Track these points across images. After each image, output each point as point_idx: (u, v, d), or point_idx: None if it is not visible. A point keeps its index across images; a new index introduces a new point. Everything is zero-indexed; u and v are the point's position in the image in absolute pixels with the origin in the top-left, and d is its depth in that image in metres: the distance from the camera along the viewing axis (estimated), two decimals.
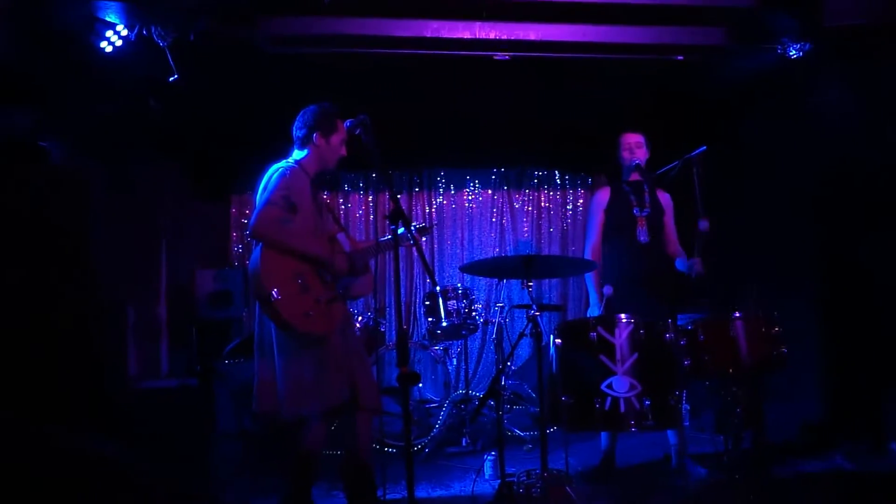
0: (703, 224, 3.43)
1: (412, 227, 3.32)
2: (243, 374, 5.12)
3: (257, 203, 2.94)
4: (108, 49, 3.37)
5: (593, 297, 3.80)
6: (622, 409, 2.84)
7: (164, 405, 3.67)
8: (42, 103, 3.23)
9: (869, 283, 3.88)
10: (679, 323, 3.15)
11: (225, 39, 3.57)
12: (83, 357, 3.57)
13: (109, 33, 3.33)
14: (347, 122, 2.95)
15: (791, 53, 3.95)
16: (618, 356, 2.91)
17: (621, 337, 2.94)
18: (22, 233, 2.93)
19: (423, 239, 3.52)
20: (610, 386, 2.86)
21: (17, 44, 2.97)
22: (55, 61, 3.22)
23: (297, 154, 3.10)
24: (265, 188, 2.95)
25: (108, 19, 3.30)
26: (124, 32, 3.34)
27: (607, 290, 3.65)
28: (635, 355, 2.91)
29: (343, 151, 3.12)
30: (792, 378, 3.48)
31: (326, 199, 3.26)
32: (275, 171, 2.98)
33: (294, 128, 3.10)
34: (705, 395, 4.78)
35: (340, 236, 3.14)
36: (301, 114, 3.09)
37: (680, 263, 3.79)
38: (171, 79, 3.53)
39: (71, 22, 3.26)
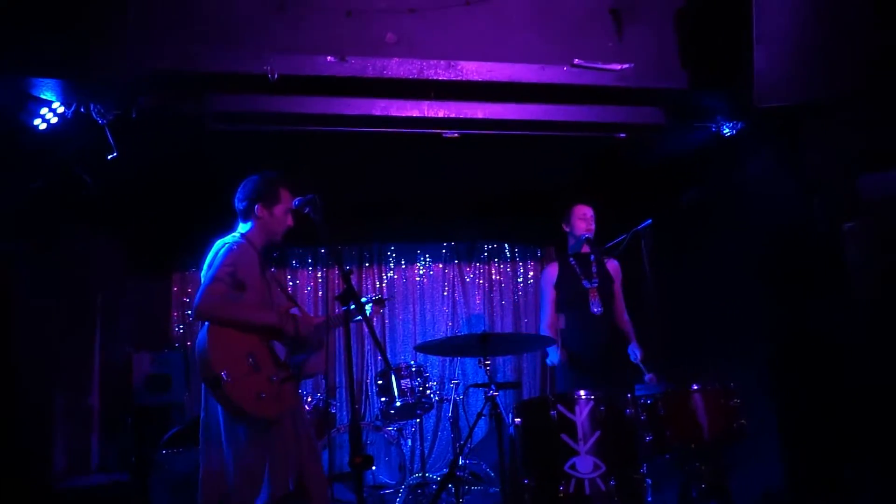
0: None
1: (368, 298, 3.23)
2: (183, 465, 4.77)
3: (202, 280, 2.81)
4: (42, 126, 3.24)
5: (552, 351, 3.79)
6: (587, 490, 2.74)
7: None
8: None
9: (818, 345, 3.96)
10: (638, 394, 3.12)
11: (169, 116, 3.50)
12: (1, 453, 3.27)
13: (45, 111, 3.20)
14: (296, 201, 2.88)
15: (725, 131, 4.15)
16: (580, 434, 2.83)
17: (582, 414, 2.87)
18: None
19: (380, 310, 3.39)
20: (573, 466, 2.77)
21: None
22: None
23: (242, 227, 3.00)
24: (210, 265, 2.83)
25: (42, 96, 3.19)
26: (60, 110, 3.22)
27: (554, 356, 3.66)
28: (597, 433, 2.84)
29: (289, 222, 3.01)
30: (751, 446, 3.46)
31: (275, 273, 3.13)
32: (221, 246, 2.87)
33: (236, 200, 3.00)
34: (666, 469, 4.70)
35: (294, 311, 3.01)
36: (242, 185, 2.98)
37: (631, 351, 3.78)
38: (109, 157, 3.41)
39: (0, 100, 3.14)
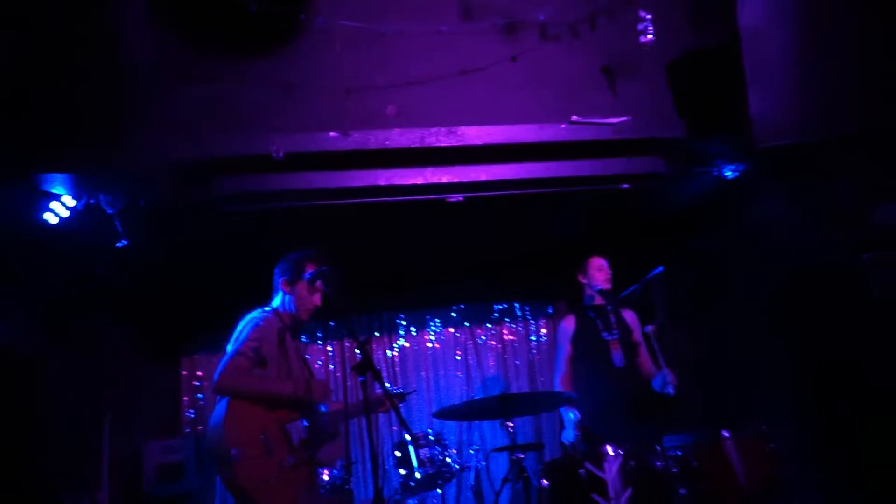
0: (649, 328, 3.43)
1: (390, 390, 3.22)
2: None
3: (226, 352, 2.79)
4: (54, 221, 3.28)
5: (566, 419, 3.65)
6: None
7: None
8: None
9: (854, 383, 3.84)
10: (666, 446, 3.02)
11: (177, 202, 3.55)
12: None
13: (55, 205, 3.25)
14: (307, 274, 2.89)
15: (727, 174, 4.19)
16: (611, 493, 2.75)
17: (612, 471, 2.78)
18: None
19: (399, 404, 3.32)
20: None
21: None
22: None
23: (274, 301, 3.06)
24: (236, 338, 2.82)
25: (53, 191, 3.24)
26: (71, 203, 3.26)
27: (574, 414, 3.55)
28: (629, 490, 2.75)
29: (316, 301, 3.02)
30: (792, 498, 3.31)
31: (298, 347, 3.11)
32: (248, 321, 2.88)
33: (274, 273, 3.09)
34: None
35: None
36: (280, 259, 3.09)
37: (654, 383, 3.72)
38: (119, 244, 3.44)
39: (11, 200, 3.19)
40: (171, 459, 4.99)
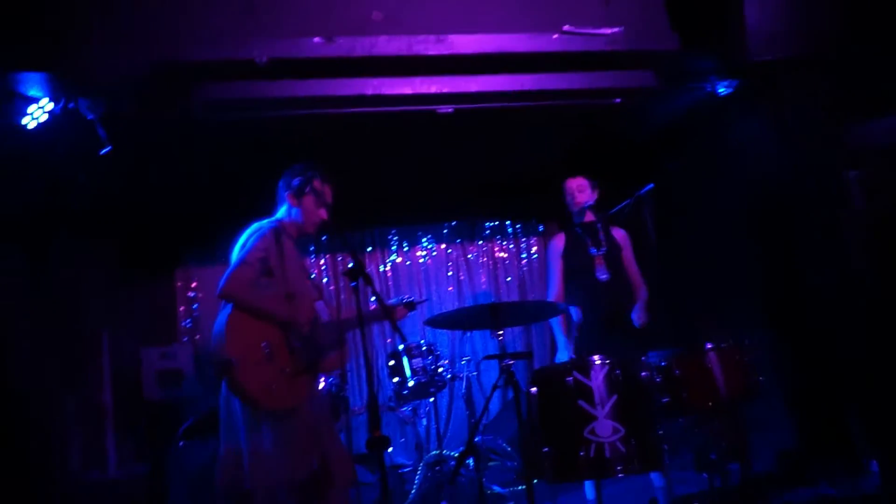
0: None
1: (398, 300, 3.27)
2: (200, 457, 4.77)
3: (231, 261, 2.78)
4: (32, 125, 3.19)
5: (560, 342, 3.72)
6: (607, 454, 2.72)
7: (111, 498, 3.36)
8: None
9: (818, 301, 3.95)
10: (653, 360, 3.09)
11: (158, 109, 3.46)
12: (12, 454, 3.27)
13: (33, 108, 3.15)
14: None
15: (720, 90, 4.09)
16: (597, 399, 2.81)
17: (598, 379, 2.85)
18: None
19: (407, 313, 3.32)
20: (593, 431, 2.75)
21: None
22: None
23: (279, 213, 3.00)
24: (242, 247, 2.79)
25: (30, 94, 3.14)
26: (49, 106, 3.16)
27: (576, 315, 3.59)
28: (614, 397, 2.82)
29: (322, 216, 2.96)
30: (761, 407, 3.45)
31: (304, 263, 3.10)
32: (255, 230, 2.84)
33: (278, 185, 3.01)
34: (680, 433, 4.70)
35: (319, 304, 2.99)
36: (285, 171, 2.99)
37: (633, 317, 3.76)
38: (102, 151, 3.37)
39: None
40: (169, 366, 5.10)
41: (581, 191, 3.83)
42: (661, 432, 2.93)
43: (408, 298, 3.32)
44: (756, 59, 3.66)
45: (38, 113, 3.15)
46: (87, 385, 4.45)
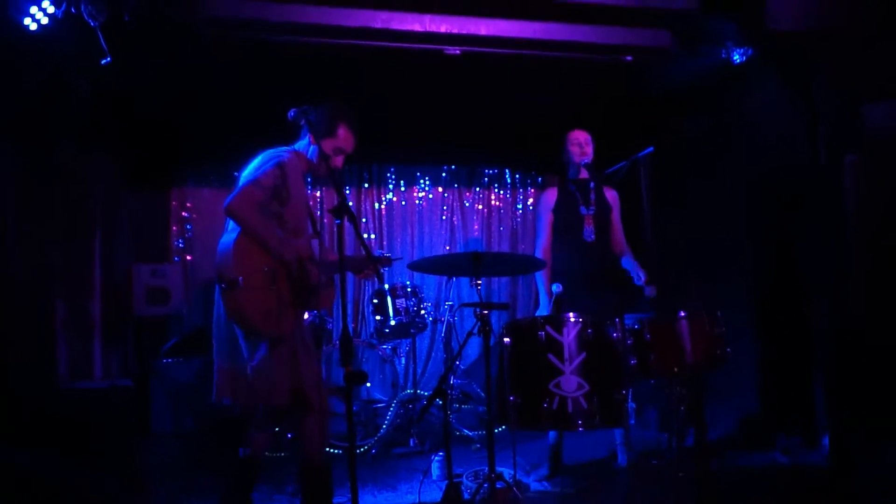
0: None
1: (378, 254, 3.28)
2: (182, 374, 4.93)
3: (242, 180, 2.78)
4: (33, 27, 3.14)
5: (543, 298, 3.78)
6: (570, 408, 2.83)
7: (95, 406, 3.49)
8: None
9: (799, 279, 4.00)
10: (626, 322, 3.16)
11: (162, 21, 3.39)
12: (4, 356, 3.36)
13: (34, 9, 3.10)
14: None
15: (735, 58, 4.02)
16: (566, 355, 2.90)
17: (569, 336, 2.93)
18: None
19: (382, 268, 3.35)
20: (558, 385, 2.85)
21: None
22: None
23: (299, 144, 2.98)
24: (255, 168, 2.78)
25: None
26: (51, 10, 3.11)
27: (556, 287, 3.64)
28: (583, 354, 2.90)
29: (338, 163, 2.96)
30: (730, 375, 3.54)
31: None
32: (273, 155, 2.81)
33: (297, 115, 2.84)
34: (650, 393, 4.84)
35: (314, 242, 3.01)
36: (308, 107, 2.82)
37: (625, 262, 3.81)
38: (103, 61, 3.33)
39: None
40: (158, 283, 5.19)
41: (580, 145, 3.82)
42: (628, 391, 3.03)
43: (384, 254, 3.37)
44: (775, 28, 3.57)
45: (39, 15, 3.10)
46: (78, 294, 4.51)
